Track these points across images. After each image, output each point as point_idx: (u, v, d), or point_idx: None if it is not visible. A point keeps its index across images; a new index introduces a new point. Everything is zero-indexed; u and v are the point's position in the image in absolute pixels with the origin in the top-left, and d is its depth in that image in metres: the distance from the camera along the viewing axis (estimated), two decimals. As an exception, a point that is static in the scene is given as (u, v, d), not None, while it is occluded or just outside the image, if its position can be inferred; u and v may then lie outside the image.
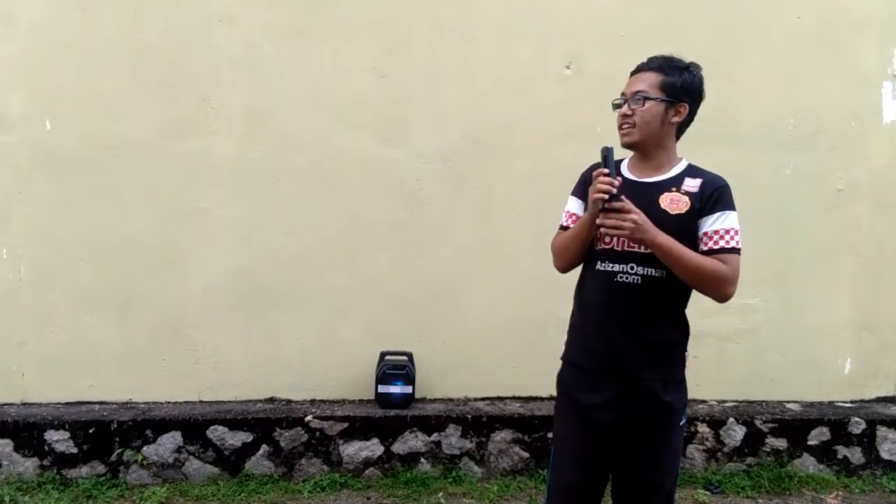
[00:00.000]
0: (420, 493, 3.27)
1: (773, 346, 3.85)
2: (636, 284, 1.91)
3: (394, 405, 3.51)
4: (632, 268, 1.91)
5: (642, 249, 1.90)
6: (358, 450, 3.40)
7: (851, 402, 3.89)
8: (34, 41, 3.38)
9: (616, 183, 1.82)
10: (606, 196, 1.80)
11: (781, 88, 3.77)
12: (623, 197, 1.82)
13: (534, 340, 3.60)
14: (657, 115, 1.94)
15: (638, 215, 1.80)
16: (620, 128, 1.98)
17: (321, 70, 3.55)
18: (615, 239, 1.92)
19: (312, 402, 3.61)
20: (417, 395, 3.60)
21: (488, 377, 3.71)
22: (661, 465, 1.98)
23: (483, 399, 3.72)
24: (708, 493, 3.38)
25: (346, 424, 3.40)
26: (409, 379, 3.52)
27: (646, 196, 1.89)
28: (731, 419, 3.58)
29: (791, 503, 3.35)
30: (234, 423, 3.34)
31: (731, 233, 1.89)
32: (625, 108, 1.96)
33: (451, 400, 3.70)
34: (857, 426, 3.63)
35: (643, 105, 1.92)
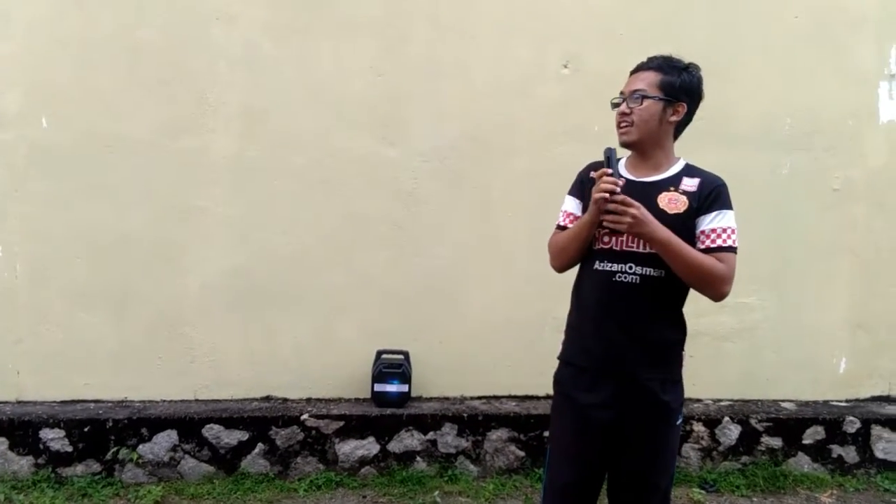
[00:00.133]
0: (416, 491, 3.27)
1: (768, 345, 3.86)
2: (635, 284, 1.91)
3: (390, 404, 3.51)
4: (630, 267, 1.92)
5: (641, 249, 1.90)
6: (354, 448, 3.40)
7: (846, 401, 3.91)
8: (31, 39, 3.36)
9: (620, 183, 1.83)
10: (608, 195, 1.80)
11: (779, 88, 3.77)
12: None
13: (530, 339, 3.60)
14: (655, 114, 1.94)
15: (638, 209, 1.80)
16: (619, 126, 1.99)
17: (319, 69, 3.54)
18: (614, 238, 1.93)
19: (308, 400, 3.61)
20: (413, 394, 3.60)
21: (484, 376, 3.71)
22: (658, 465, 1.98)
23: (479, 398, 3.72)
24: (703, 491, 3.38)
25: (342, 423, 3.39)
26: (406, 378, 3.53)
27: (644, 195, 1.89)
28: (727, 418, 3.59)
29: (786, 502, 3.36)
30: (229, 422, 3.34)
31: (729, 231, 1.90)
32: (623, 107, 1.96)
33: (447, 399, 3.70)
34: (852, 425, 3.64)
35: (641, 104, 1.93)
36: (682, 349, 2.03)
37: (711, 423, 3.58)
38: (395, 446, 3.43)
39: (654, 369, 1.94)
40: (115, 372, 3.49)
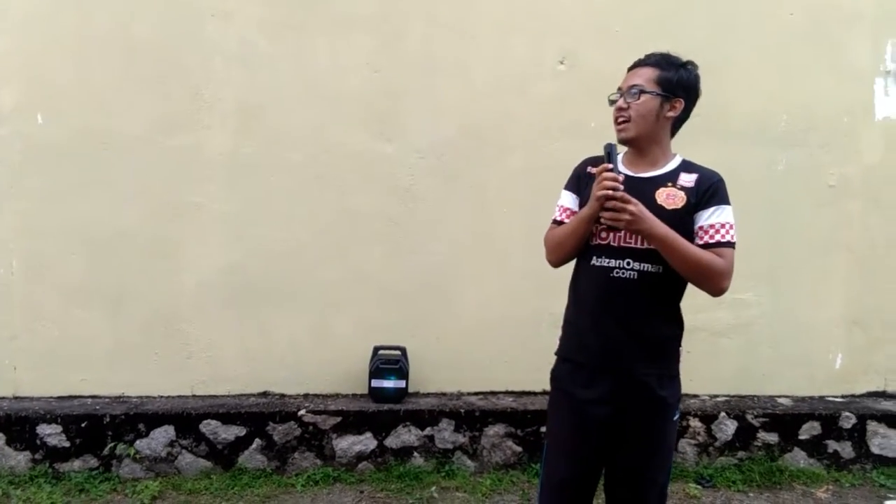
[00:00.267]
0: (413, 486, 3.28)
1: (764, 341, 3.87)
2: (632, 280, 1.91)
3: (387, 399, 3.51)
4: (628, 263, 1.92)
5: (639, 245, 1.90)
6: (351, 444, 3.41)
7: (842, 396, 3.92)
8: (27, 35, 3.36)
9: (620, 179, 1.83)
10: (611, 193, 1.80)
11: (774, 84, 3.78)
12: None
13: (527, 335, 3.61)
14: (653, 110, 1.94)
15: (636, 206, 1.80)
16: (616, 122, 1.99)
17: (315, 65, 3.54)
18: (611, 234, 1.93)
19: (306, 396, 3.61)
20: (411, 390, 3.61)
21: (481, 372, 3.72)
22: (655, 460, 1.98)
23: (476, 394, 3.73)
24: (699, 486, 3.39)
25: (339, 419, 3.40)
26: (403, 373, 3.53)
27: (642, 191, 1.89)
28: (723, 413, 3.60)
29: (782, 497, 3.37)
30: (227, 418, 3.34)
31: (727, 227, 1.90)
32: (620, 102, 1.96)
33: (444, 394, 3.71)
34: (848, 421, 3.65)
35: (639, 98, 1.93)
36: (680, 345, 2.03)
37: (708, 418, 3.59)
38: (392, 442, 3.43)
39: (652, 365, 1.94)
40: (112, 368, 3.49)
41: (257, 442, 3.36)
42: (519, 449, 3.49)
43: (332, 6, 3.54)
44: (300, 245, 3.58)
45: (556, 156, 3.44)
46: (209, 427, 3.33)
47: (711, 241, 1.89)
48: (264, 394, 3.61)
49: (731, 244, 1.90)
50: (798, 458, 3.62)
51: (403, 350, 3.60)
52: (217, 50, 3.47)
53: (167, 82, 3.45)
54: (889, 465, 3.63)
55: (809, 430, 3.64)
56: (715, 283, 1.90)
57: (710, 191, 1.92)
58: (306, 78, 3.53)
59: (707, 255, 1.86)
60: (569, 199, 2.09)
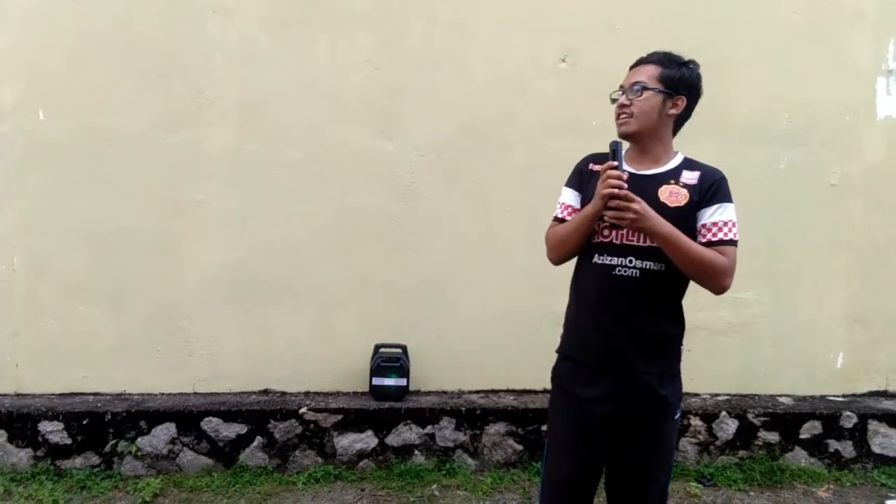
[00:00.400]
0: (414, 485, 3.28)
1: (765, 340, 3.86)
2: (634, 278, 1.91)
3: (388, 397, 3.52)
4: (630, 261, 1.91)
5: (641, 242, 1.90)
6: (352, 442, 3.41)
7: (843, 396, 3.92)
8: (28, 32, 3.36)
9: (625, 177, 1.83)
10: (616, 191, 1.80)
11: (776, 83, 3.77)
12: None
13: (528, 334, 3.61)
14: (655, 107, 1.94)
15: (640, 204, 1.80)
16: (618, 118, 1.98)
17: (316, 62, 3.54)
18: (614, 232, 1.92)
19: (307, 394, 3.62)
20: (411, 388, 3.61)
21: (482, 370, 3.72)
22: (656, 459, 1.98)
23: (477, 392, 3.73)
24: (700, 485, 3.39)
25: (340, 417, 3.40)
26: (404, 371, 3.53)
27: (644, 188, 1.89)
28: (724, 412, 3.60)
29: (783, 496, 3.37)
30: (228, 415, 3.35)
31: (730, 225, 1.90)
32: (622, 99, 1.96)
33: (445, 392, 3.71)
34: (849, 420, 3.65)
35: (641, 95, 1.93)
36: (681, 343, 2.02)
37: (709, 417, 3.59)
38: (393, 440, 3.44)
39: (653, 363, 1.94)
40: (114, 365, 3.50)
41: (258, 440, 3.36)
42: (520, 447, 3.49)
43: (332, 3, 3.54)
44: (301, 243, 3.58)
45: (557, 154, 3.40)
46: (210, 425, 3.33)
47: (714, 238, 1.89)
48: (265, 391, 3.61)
49: (733, 242, 1.90)
50: (799, 458, 3.62)
51: (404, 348, 3.60)
52: (218, 47, 3.47)
53: (168, 79, 3.45)
54: (890, 465, 3.63)
55: (810, 429, 3.64)
56: (717, 282, 1.90)
57: (712, 188, 1.92)
58: (307, 75, 3.53)
59: (710, 253, 1.86)
60: (570, 196, 2.08)
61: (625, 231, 1.91)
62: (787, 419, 3.63)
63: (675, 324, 2.01)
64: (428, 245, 3.65)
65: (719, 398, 3.81)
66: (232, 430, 3.35)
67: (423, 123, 3.61)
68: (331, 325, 3.63)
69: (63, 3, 3.37)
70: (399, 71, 3.59)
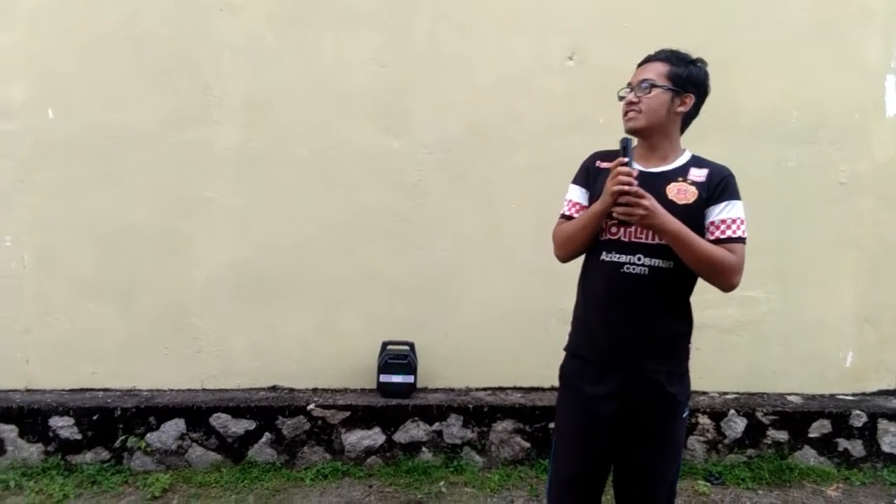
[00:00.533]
0: (421, 481, 3.29)
1: (774, 338, 3.85)
2: (643, 275, 1.90)
3: (395, 394, 3.52)
4: (639, 259, 1.91)
5: (650, 240, 1.90)
6: (360, 438, 3.42)
7: (853, 395, 3.90)
8: (36, 30, 3.38)
9: (635, 174, 1.83)
10: (626, 187, 1.79)
11: (785, 81, 3.75)
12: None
13: (535, 331, 3.61)
14: (663, 104, 1.94)
15: (650, 200, 1.80)
16: (625, 114, 1.98)
17: (322, 60, 3.55)
18: (622, 229, 1.92)
19: (315, 390, 3.63)
20: (419, 385, 3.62)
21: (490, 367, 3.72)
22: (664, 457, 1.98)
23: (484, 389, 3.73)
24: (708, 484, 3.39)
25: (348, 413, 3.41)
26: (411, 368, 3.54)
27: (653, 186, 1.88)
28: (732, 411, 3.59)
29: (791, 495, 3.36)
30: (236, 411, 3.36)
31: (738, 222, 1.90)
32: (630, 96, 1.96)
33: (452, 390, 3.71)
34: (859, 419, 3.63)
35: (650, 92, 1.93)
36: (689, 341, 2.02)
37: (717, 415, 3.58)
38: (400, 437, 3.45)
39: (661, 361, 1.93)
40: (123, 361, 3.52)
41: (267, 436, 3.38)
42: (527, 445, 3.49)
43: (338, 1, 3.54)
44: (308, 240, 3.59)
45: (564, 152, 3.40)
46: (219, 421, 3.35)
47: (723, 236, 1.89)
48: (274, 388, 3.63)
49: (742, 240, 1.90)
50: (808, 456, 3.61)
51: (412, 345, 3.61)
52: (225, 45, 3.49)
53: (176, 77, 3.47)
54: (899, 464, 3.61)
55: (820, 428, 3.62)
56: (726, 279, 1.89)
57: (721, 186, 1.92)
58: (313, 73, 3.54)
59: (718, 251, 1.86)
60: (577, 194, 2.07)
61: (633, 228, 1.91)
62: (796, 418, 3.62)
63: (684, 322, 2.00)
64: (435, 242, 3.65)
65: (728, 396, 3.80)
66: (240, 427, 3.36)
67: (429, 121, 3.62)
68: (338, 323, 3.64)
69: (71, 2, 3.39)
70: (405, 69, 3.59)
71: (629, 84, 1.99)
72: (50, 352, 3.48)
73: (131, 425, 3.30)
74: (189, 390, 3.56)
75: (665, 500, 2.02)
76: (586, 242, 1.99)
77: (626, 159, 1.83)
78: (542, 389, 3.71)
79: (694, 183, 1.93)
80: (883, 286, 3.89)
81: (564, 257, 2.09)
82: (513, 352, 3.71)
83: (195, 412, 3.34)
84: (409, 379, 3.54)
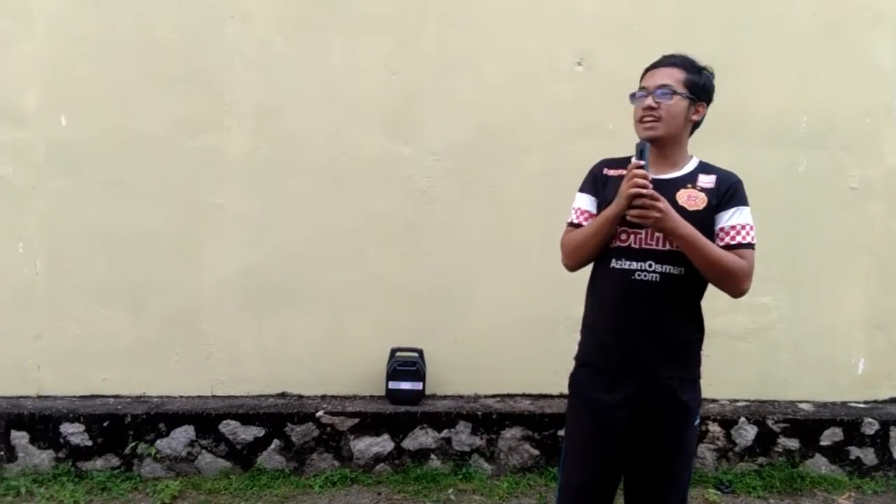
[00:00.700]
0: (430, 489, 3.28)
1: (784, 345, 3.82)
2: (655, 282, 1.90)
3: (404, 401, 3.52)
4: (650, 265, 1.90)
5: (660, 246, 1.90)
6: (368, 445, 3.42)
7: (864, 402, 3.86)
8: (49, 37, 3.41)
9: (650, 177, 1.83)
10: (643, 191, 1.79)
11: (795, 85, 3.74)
12: None
13: (544, 338, 3.60)
14: (682, 111, 1.94)
15: (664, 204, 1.80)
16: (642, 121, 1.96)
17: (333, 67, 3.56)
18: (632, 236, 1.92)
19: (323, 397, 3.63)
20: (428, 392, 3.61)
21: (499, 374, 3.71)
22: (676, 465, 1.97)
23: (493, 396, 3.72)
24: (719, 492, 3.37)
25: (356, 420, 3.41)
26: (420, 375, 3.54)
27: (663, 193, 1.87)
28: (743, 419, 3.57)
29: None
30: (246, 418, 3.37)
31: (748, 228, 1.91)
32: (649, 101, 1.93)
33: (461, 397, 3.71)
34: (871, 427, 3.60)
35: (671, 99, 1.92)
36: (701, 347, 2.01)
37: (727, 423, 3.56)
38: (409, 444, 3.44)
39: (674, 368, 1.93)
40: (133, 367, 3.53)
41: (276, 442, 3.38)
42: (536, 452, 3.48)
43: (348, 7, 3.55)
44: (318, 247, 3.59)
45: (574, 157, 3.39)
46: (229, 427, 3.36)
47: (733, 242, 1.89)
48: (283, 395, 3.63)
49: (751, 245, 1.91)
50: (819, 465, 3.58)
51: (420, 352, 3.61)
52: (236, 51, 3.50)
53: (188, 84, 3.49)
54: (913, 472, 3.58)
55: (831, 436, 3.59)
56: (737, 285, 1.90)
57: (729, 192, 1.93)
58: (323, 79, 3.56)
59: (730, 256, 1.86)
60: (586, 201, 2.07)
61: (644, 235, 1.91)
62: (807, 426, 3.59)
63: (696, 327, 2.00)
64: (444, 249, 3.65)
65: (738, 404, 3.77)
66: (250, 433, 3.37)
67: (439, 127, 3.62)
68: (347, 329, 3.64)
69: (85, 10, 3.42)
70: (415, 75, 3.60)
71: (643, 87, 1.98)
72: (61, 358, 3.50)
73: (141, 432, 3.31)
74: (199, 397, 3.56)
75: (676, 508, 2.01)
76: (598, 249, 1.98)
77: (642, 162, 1.83)
78: (552, 396, 3.70)
79: (703, 189, 1.93)
80: (894, 292, 3.86)
81: (573, 266, 2.08)
82: (522, 359, 3.70)
83: (205, 419, 3.35)
84: (418, 386, 3.53)
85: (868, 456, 3.60)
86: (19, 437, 3.27)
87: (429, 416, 3.46)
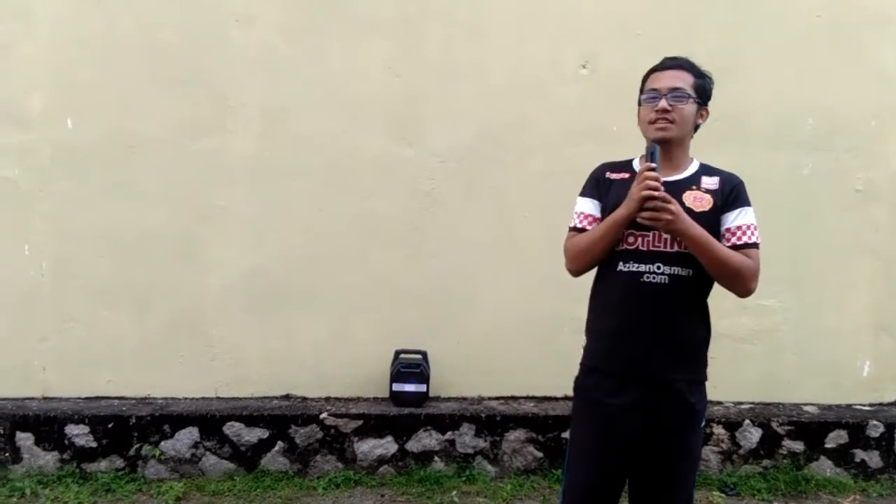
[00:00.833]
0: (434, 491, 3.28)
1: (789, 347, 3.81)
2: (663, 284, 1.90)
3: (408, 403, 3.52)
4: (658, 267, 1.90)
5: (668, 248, 1.90)
6: (372, 447, 3.42)
7: (870, 405, 3.85)
8: (54, 40, 3.43)
9: (661, 179, 1.83)
10: (655, 193, 1.79)
11: (799, 87, 3.73)
12: None
13: (548, 340, 3.60)
14: (692, 115, 1.96)
15: (676, 205, 1.80)
16: (654, 122, 1.94)
17: (336, 69, 3.57)
18: (639, 238, 1.92)
19: (327, 399, 3.63)
20: (431, 394, 3.61)
21: (502, 376, 3.71)
22: (682, 467, 1.97)
23: (497, 398, 3.72)
24: (723, 494, 3.35)
25: (360, 422, 3.42)
26: (424, 377, 3.54)
27: (669, 194, 1.86)
28: (747, 421, 3.56)
29: (807, 506, 3.33)
30: (250, 420, 3.38)
31: (752, 228, 1.92)
32: (664, 103, 1.92)
33: (465, 399, 3.71)
34: (876, 429, 3.59)
35: (685, 103, 1.93)
36: (708, 349, 2.01)
37: (732, 425, 3.55)
38: (413, 446, 3.44)
39: (682, 369, 1.93)
40: (138, 369, 3.54)
41: (280, 444, 3.38)
42: (540, 454, 3.48)
43: (351, 10, 3.56)
44: (321, 249, 3.60)
45: (577, 160, 3.38)
46: (233, 429, 3.36)
47: (739, 242, 1.90)
48: (287, 396, 3.64)
49: (756, 245, 1.92)
50: (824, 467, 3.57)
51: (424, 354, 3.61)
52: (240, 54, 3.52)
53: (192, 87, 3.50)
54: (918, 475, 3.56)
55: (836, 438, 3.58)
56: (745, 285, 1.91)
57: (733, 193, 1.95)
58: (327, 82, 3.56)
59: (738, 256, 1.88)
60: (589, 206, 2.06)
61: (651, 237, 1.91)
62: (811, 428, 3.58)
63: (703, 328, 2.01)
64: (447, 251, 3.65)
65: (742, 406, 3.76)
66: (254, 435, 3.37)
67: (442, 130, 3.63)
68: (351, 331, 3.65)
69: (89, 13, 3.43)
70: (419, 77, 3.61)
71: (654, 89, 1.96)
72: (66, 360, 3.51)
73: (146, 433, 3.32)
74: (203, 398, 3.57)
75: (682, 511, 2.00)
76: (605, 252, 1.97)
77: (653, 164, 1.83)
78: (556, 399, 3.70)
79: (708, 191, 1.94)
80: (900, 295, 3.85)
81: (578, 270, 2.07)
82: (526, 360, 3.70)
83: (209, 420, 3.36)
84: (422, 388, 3.53)
85: (873, 459, 3.58)
86: (24, 439, 3.28)
87: (432, 418, 3.46)
